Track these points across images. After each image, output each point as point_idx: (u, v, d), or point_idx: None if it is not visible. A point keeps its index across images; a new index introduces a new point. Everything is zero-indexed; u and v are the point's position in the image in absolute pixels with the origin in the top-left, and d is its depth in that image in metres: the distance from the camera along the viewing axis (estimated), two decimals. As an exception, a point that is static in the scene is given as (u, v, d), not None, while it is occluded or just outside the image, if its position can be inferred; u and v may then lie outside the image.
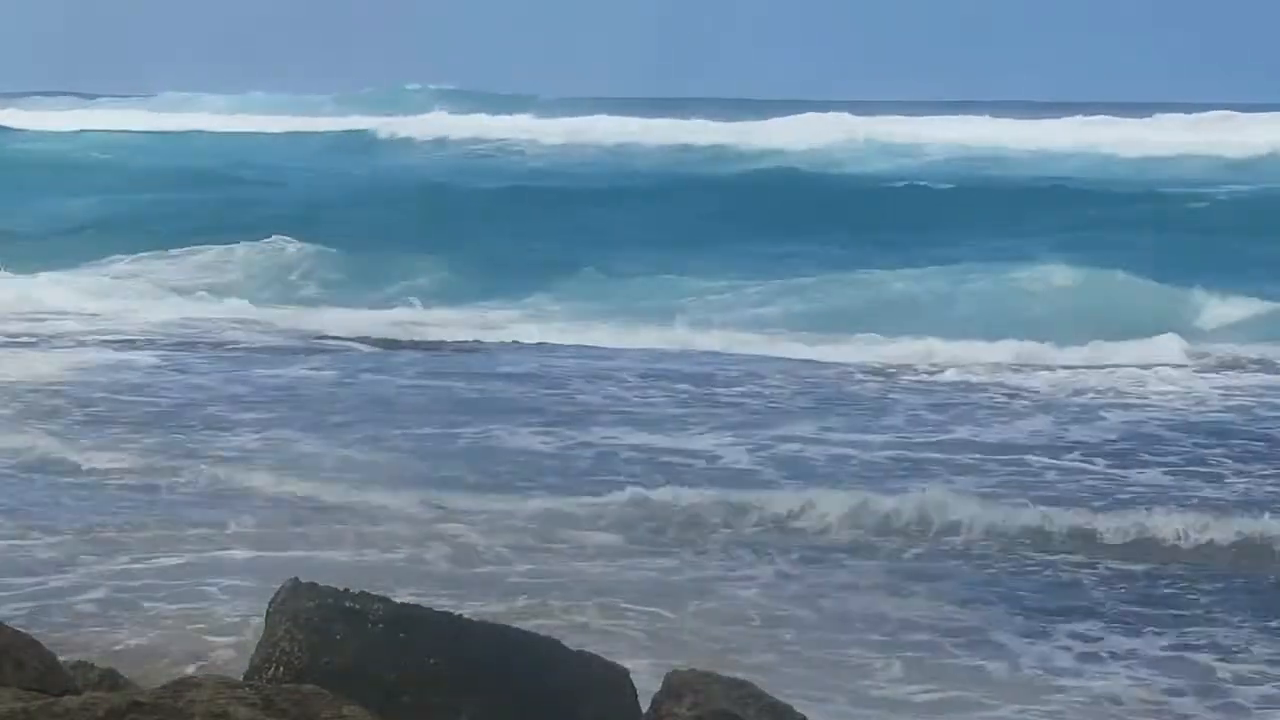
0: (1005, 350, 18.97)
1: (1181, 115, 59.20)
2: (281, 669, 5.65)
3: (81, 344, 18.37)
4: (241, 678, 5.49)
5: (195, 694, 4.80)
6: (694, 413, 14.77)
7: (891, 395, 15.98)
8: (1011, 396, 15.97)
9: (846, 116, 57.41)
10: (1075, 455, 13.29)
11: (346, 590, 5.91)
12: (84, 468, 12.04)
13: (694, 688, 6.00)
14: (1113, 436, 14.00)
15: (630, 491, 11.37)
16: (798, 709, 6.19)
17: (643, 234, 30.10)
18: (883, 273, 24.88)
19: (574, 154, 51.23)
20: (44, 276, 24.54)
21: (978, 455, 13.16)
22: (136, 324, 20.23)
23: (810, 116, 57.49)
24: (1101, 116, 60.24)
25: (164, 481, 11.75)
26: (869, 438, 13.75)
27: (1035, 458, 13.14)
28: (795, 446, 13.31)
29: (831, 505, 11.09)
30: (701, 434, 13.74)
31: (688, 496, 11.32)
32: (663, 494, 11.37)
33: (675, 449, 13.14)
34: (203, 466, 12.14)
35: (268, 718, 4.83)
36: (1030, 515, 11.13)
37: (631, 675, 6.09)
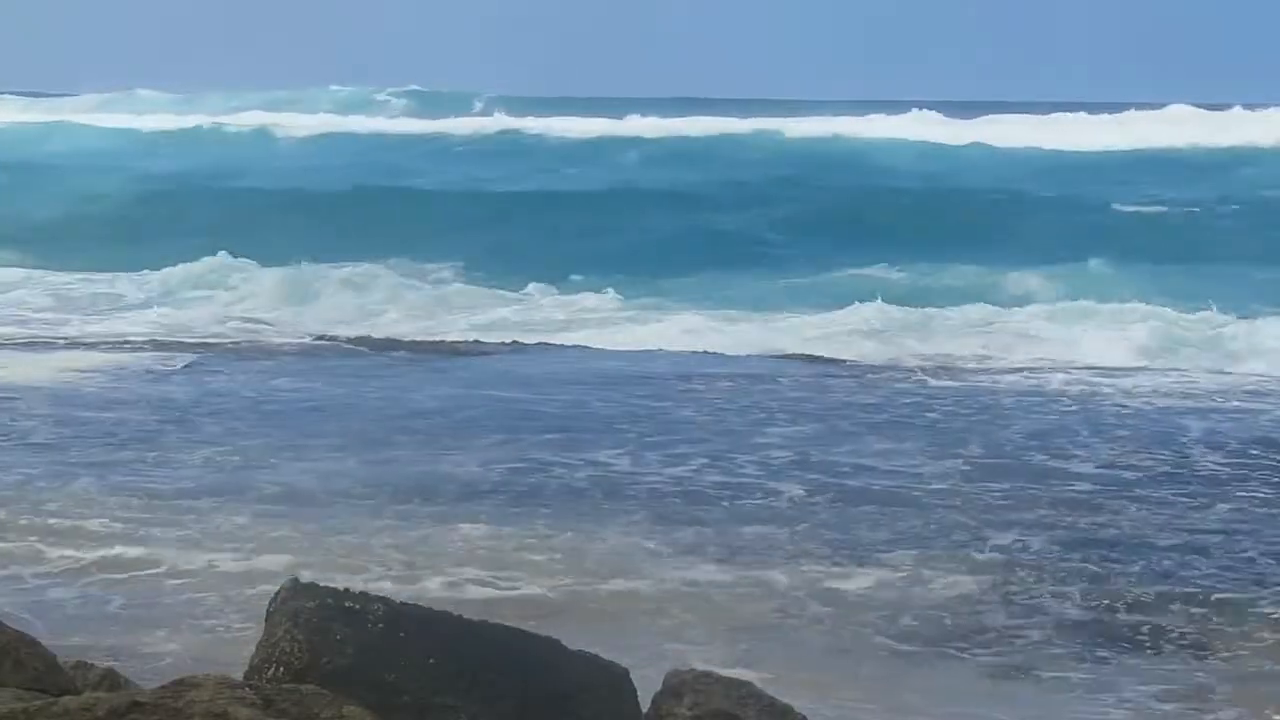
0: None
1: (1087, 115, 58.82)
2: (281, 669, 5.65)
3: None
4: (241, 678, 5.48)
5: (195, 694, 4.81)
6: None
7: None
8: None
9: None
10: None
11: (346, 590, 5.91)
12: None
13: (694, 688, 6.00)
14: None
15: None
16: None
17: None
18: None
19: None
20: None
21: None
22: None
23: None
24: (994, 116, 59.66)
25: (164, 484, 11.76)
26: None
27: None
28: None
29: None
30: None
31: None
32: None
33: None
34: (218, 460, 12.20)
35: (268, 718, 4.83)
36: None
37: (631, 675, 6.09)
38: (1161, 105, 59.22)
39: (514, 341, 19.41)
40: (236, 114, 64.31)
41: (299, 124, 58.15)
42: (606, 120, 55.87)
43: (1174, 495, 11.94)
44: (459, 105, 71.51)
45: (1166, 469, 12.84)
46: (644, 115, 57.19)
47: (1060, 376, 17.13)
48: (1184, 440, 13.90)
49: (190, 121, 59.45)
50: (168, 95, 79.64)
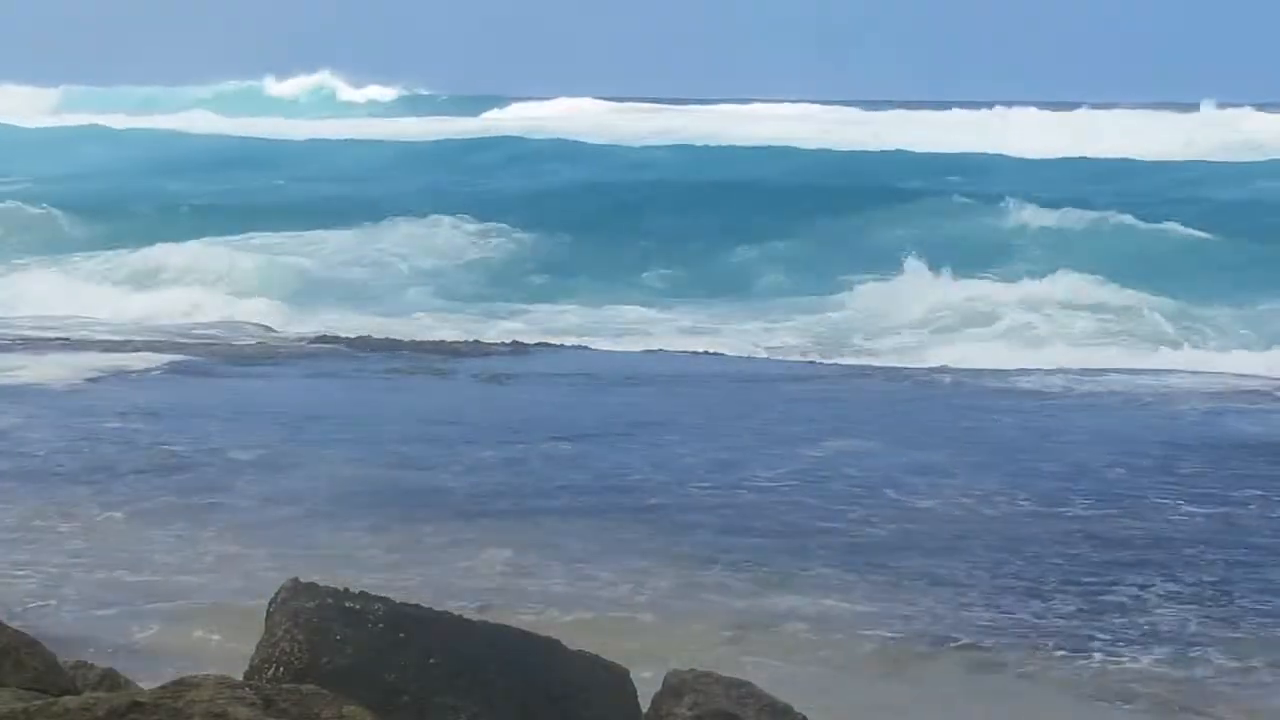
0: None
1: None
2: (281, 669, 5.65)
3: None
4: (241, 678, 5.48)
5: (195, 694, 4.80)
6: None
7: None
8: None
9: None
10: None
11: (346, 590, 5.91)
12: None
13: (694, 688, 6.00)
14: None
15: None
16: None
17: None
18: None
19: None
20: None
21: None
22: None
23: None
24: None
25: (161, 486, 11.74)
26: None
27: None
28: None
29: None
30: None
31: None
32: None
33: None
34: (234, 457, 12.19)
35: (268, 718, 4.83)
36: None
37: (631, 675, 6.09)
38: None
39: (514, 342, 19.39)
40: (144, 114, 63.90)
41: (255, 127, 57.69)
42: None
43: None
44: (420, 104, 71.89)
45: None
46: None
47: (1076, 377, 16.99)
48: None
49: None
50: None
